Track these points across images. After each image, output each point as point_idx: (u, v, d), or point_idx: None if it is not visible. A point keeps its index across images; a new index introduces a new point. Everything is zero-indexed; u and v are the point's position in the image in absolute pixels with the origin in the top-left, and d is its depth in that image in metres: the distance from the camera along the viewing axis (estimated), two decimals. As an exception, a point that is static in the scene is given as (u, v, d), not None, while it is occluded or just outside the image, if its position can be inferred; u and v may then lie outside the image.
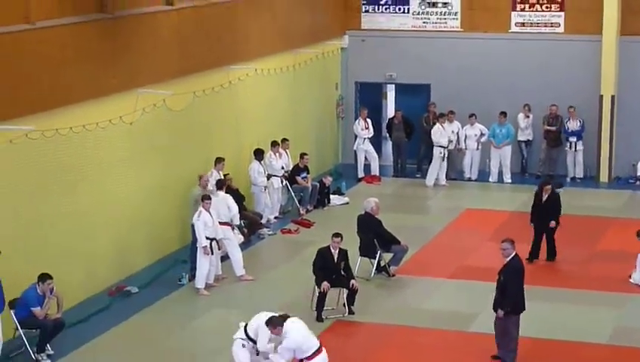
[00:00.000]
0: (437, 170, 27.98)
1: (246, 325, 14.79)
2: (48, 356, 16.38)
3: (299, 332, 14.35)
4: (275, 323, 14.35)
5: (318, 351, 14.34)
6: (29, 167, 17.31)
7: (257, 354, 14.71)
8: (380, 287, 19.88)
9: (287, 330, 14.30)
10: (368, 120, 29.01)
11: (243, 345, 14.65)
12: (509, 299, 15.66)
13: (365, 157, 29.08)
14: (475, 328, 17.65)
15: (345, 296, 18.39)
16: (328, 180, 26.34)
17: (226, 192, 20.81)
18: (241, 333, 14.75)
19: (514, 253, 15.92)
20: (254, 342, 14.62)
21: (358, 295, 18.35)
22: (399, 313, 18.48)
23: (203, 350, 16.99)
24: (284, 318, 14.47)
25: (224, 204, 20.25)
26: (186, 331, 17.72)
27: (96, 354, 16.73)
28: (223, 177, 21.86)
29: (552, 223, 20.93)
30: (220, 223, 19.89)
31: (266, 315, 14.61)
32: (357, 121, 29.19)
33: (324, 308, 18.14)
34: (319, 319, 17.97)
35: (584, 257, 21.40)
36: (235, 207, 20.39)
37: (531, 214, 21.33)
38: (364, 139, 28.89)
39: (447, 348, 16.90)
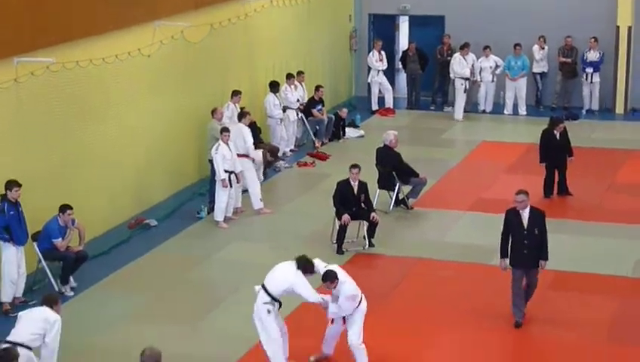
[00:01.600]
0: (463, 102, 27.85)
1: (263, 285, 13.37)
2: (72, 288, 16.47)
3: (348, 279, 13.38)
4: (330, 278, 13.13)
5: (361, 300, 13.51)
6: (50, 99, 17.26)
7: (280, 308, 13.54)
8: (400, 220, 19.92)
9: (341, 281, 13.27)
10: (382, 52, 28.85)
11: (268, 311, 13.21)
12: (547, 246, 14.97)
13: (379, 90, 28.97)
14: (496, 261, 17.61)
15: (365, 228, 18.41)
16: (344, 112, 26.27)
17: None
18: (263, 296, 13.26)
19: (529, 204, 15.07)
20: (278, 301, 13.35)
21: (378, 227, 18.38)
22: (419, 245, 18.52)
23: (223, 282, 17.08)
24: (331, 270, 13.35)
25: (240, 135, 20.22)
26: (205, 264, 17.78)
27: (119, 286, 16.81)
28: (239, 110, 21.79)
29: (570, 159, 20.85)
30: (238, 155, 19.86)
31: (286, 266, 13.45)
32: (371, 53, 29.02)
33: (345, 240, 18.17)
34: (339, 251, 18.02)
35: (601, 190, 21.37)
36: (250, 139, 20.30)
37: (542, 153, 21.09)
38: (379, 71, 28.76)
39: (469, 281, 16.95)
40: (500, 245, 15.13)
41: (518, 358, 14.18)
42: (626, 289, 15.78)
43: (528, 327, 14.99)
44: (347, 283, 13.32)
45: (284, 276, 13.28)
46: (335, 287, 13.25)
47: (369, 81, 29.02)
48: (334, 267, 13.59)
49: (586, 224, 19.34)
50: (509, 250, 15.04)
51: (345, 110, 26.52)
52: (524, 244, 14.84)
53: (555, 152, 20.87)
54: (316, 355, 13.94)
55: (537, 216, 14.94)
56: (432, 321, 15.25)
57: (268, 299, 13.24)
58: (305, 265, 13.28)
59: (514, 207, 15.00)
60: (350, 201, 18.21)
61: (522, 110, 28.43)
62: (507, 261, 15.04)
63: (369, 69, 29.01)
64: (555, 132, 20.86)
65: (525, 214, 14.89)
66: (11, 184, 15.61)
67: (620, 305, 14.77)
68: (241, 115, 20.82)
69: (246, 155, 20.26)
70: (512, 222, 15.01)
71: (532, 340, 14.62)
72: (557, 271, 16.70)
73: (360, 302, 13.47)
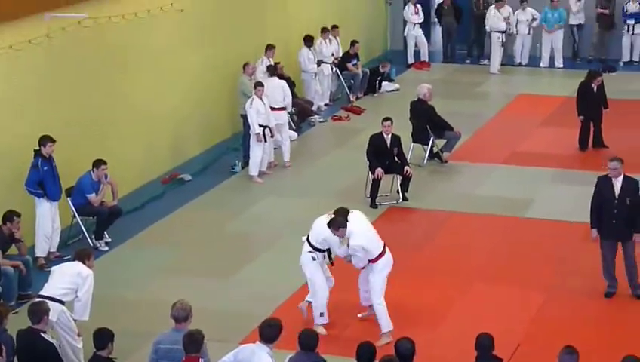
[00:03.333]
0: (499, 55, 27.61)
1: (308, 236, 13.58)
2: (106, 243, 16.56)
3: (361, 231, 13.27)
4: (336, 225, 13.09)
5: (381, 254, 13.33)
6: (81, 55, 17.27)
7: (331, 263, 13.85)
8: (433, 174, 19.82)
9: (351, 231, 13.21)
10: (418, 5, 28.59)
11: (313, 258, 13.42)
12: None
13: (415, 44, 28.76)
14: (531, 214, 17.59)
15: (398, 182, 18.35)
16: (386, 66, 26.14)
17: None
18: (307, 246, 13.49)
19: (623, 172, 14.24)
20: (321, 250, 13.52)
21: (411, 181, 18.30)
22: (453, 199, 18.43)
23: (257, 237, 17.07)
24: (345, 215, 13.30)
25: (279, 89, 20.19)
26: (240, 219, 17.78)
27: (153, 241, 16.87)
28: (273, 64, 21.71)
29: (605, 111, 20.66)
30: (274, 109, 19.83)
31: (326, 218, 13.48)
32: (406, 6, 28.78)
33: (378, 194, 18.13)
34: (373, 205, 17.97)
35: (638, 142, 21.06)
36: (289, 94, 20.33)
37: (579, 105, 20.83)
38: (414, 24, 28.52)
39: (503, 233, 16.86)
40: (590, 214, 14.51)
41: (554, 316, 14.03)
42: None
43: (558, 286, 14.87)
44: (355, 234, 13.15)
45: (322, 228, 13.38)
46: (342, 236, 13.20)
47: (405, 34, 28.80)
48: (357, 216, 13.43)
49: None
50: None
51: (387, 64, 26.37)
52: (614, 214, 14.13)
53: (591, 105, 20.65)
54: (363, 314, 13.95)
55: (631, 184, 14.20)
56: (466, 275, 15.19)
57: (311, 248, 13.48)
58: (331, 221, 13.20)
59: (606, 174, 14.36)
60: (383, 155, 18.14)
61: (559, 62, 28.13)
62: (596, 231, 14.44)
63: (405, 22, 28.78)
64: (593, 85, 20.64)
65: (617, 183, 14.14)
66: (45, 139, 15.67)
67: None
68: (274, 69, 20.76)
69: (282, 109, 20.24)
70: (602, 191, 14.32)
71: (563, 300, 14.45)
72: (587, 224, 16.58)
73: (380, 256, 13.31)
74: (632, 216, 14.10)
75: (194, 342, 10.12)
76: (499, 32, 27.52)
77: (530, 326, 13.62)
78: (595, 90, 20.64)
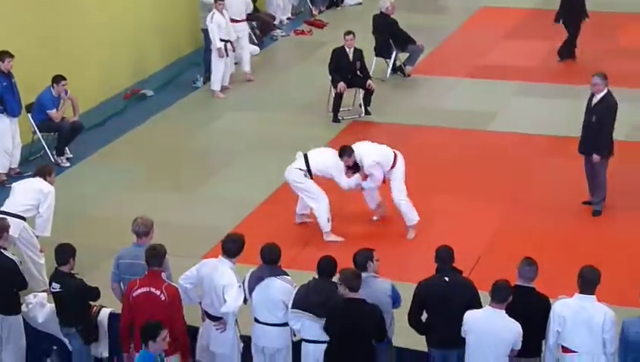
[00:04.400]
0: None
1: (306, 155, 13.74)
2: (67, 159, 16.45)
3: (369, 149, 13.66)
4: (347, 153, 13.42)
5: (395, 159, 13.71)
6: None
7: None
8: (396, 87, 19.76)
9: (359, 154, 13.49)
10: None
11: (305, 175, 13.60)
12: (606, 141, 14.01)
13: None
14: (495, 127, 17.61)
15: (361, 96, 18.28)
16: None
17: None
18: (300, 163, 13.63)
19: (606, 89, 13.92)
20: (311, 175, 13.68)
21: (374, 95, 18.23)
22: (416, 113, 18.41)
23: (221, 152, 17.00)
24: (350, 148, 13.62)
25: (242, 2, 20.14)
26: (203, 133, 17.71)
27: (115, 156, 16.78)
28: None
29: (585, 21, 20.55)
30: (235, 21, 19.70)
31: (331, 151, 13.81)
32: None
33: (341, 108, 18.06)
34: (335, 120, 17.93)
35: (606, 53, 20.98)
36: (251, 6, 20.23)
37: (561, 13, 20.61)
38: None
39: (467, 146, 16.85)
40: None
41: (516, 229, 14.10)
42: (620, 153, 15.55)
43: (520, 199, 14.95)
44: (365, 154, 13.52)
45: (329, 157, 13.73)
46: (352, 163, 13.51)
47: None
48: (360, 143, 13.79)
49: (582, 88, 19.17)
50: None
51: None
52: (584, 127, 14.17)
53: (575, 14, 20.48)
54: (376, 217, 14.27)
55: (603, 104, 13.93)
56: (429, 188, 15.15)
57: (304, 167, 13.61)
58: (342, 149, 13.58)
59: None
60: (346, 69, 18.04)
61: (523, -26, 27.93)
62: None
63: None
64: None
65: (594, 99, 13.99)
66: (3, 55, 15.45)
67: (612, 168, 14.61)
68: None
69: (243, 20, 20.07)
70: (587, 105, 14.18)
71: (525, 213, 14.51)
72: (557, 137, 16.81)
73: (394, 162, 13.67)
74: (595, 133, 14.04)
75: (156, 256, 10.12)
76: None
77: (492, 238, 13.71)
78: None
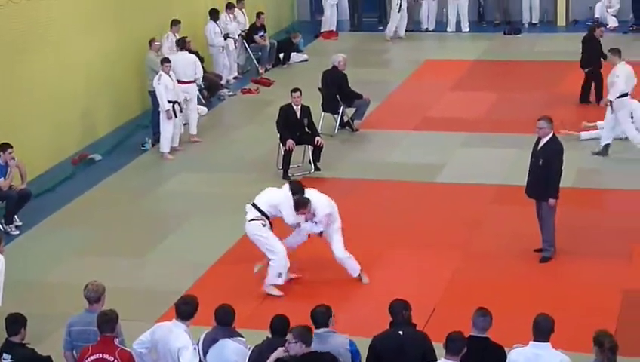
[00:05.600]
0: (396, 21, 27.69)
1: (253, 203, 13.86)
2: (17, 227, 16.30)
3: (322, 200, 13.77)
4: (303, 206, 13.53)
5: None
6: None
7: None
8: (345, 142, 19.86)
9: (314, 206, 13.60)
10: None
11: (263, 225, 13.67)
12: (554, 184, 14.04)
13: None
14: (442, 178, 17.72)
15: (310, 152, 18.35)
16: (297, 37, 26.13)
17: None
18: (254, 212, 13.74)
19: (551, 133, 14.08)
20: (268, 219, 13.77)
21: (323, 151, 18.30)
22: (365, 167, 18.51)
23: (172, 214, 16.97)
24: (302, 191, 13.71)
25: (191, 64, 20.20)
26: (153, 196, 17.66)
27: (65, 222, 16.66)
28: (182, 38, 21.54)
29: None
30: (183, 82, 19.82)
31: (274, 190, 14.02)
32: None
33: (290, 165, 18.11)
34: (285, 177, 17.92)
35: (545, 101, 21.27)
36: (201, 68, 20.39)
37: (584, 59, 21.02)
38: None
39: (416, 199, 16.95)
40: None
41: (468, 279, 14.14)
42: (568, 198, 15.70)
43: (472, 249, 15.01)
44: (320, 206, 13.66)
45: (275, 193, 13.92)
46: (310, 211, 13.61)
47: (323, 3, 28.77)
48: (310, 190, 13.90)
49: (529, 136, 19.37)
50: None
51: (297, 35, 26.36)
52: (530, 171, 14.30)
53: (596, 57, 20.78)
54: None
55: (549, 148, 14.02)
56: (380, 241, 15.21)
57: (258, 214, 13.69)
58: (298, 201, 13.63)
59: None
60: (294, 126, 18.11)
61: (465, 27, 28.36)
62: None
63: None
64: (596, 35, 20.97)
65: (541, 143, 14.10)
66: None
67: (560, 214, 14.74)
68: (183, 43, 20.61)
69: (191, 82, 20.15)
70: (533, 149, 14.30)
71: (477, 263, 14.56)
72: (499, 186, 17.03)
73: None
74: (543, 177, 14.11)
75: (107, 321, 10.02)
76: None
77: (445, 290, 13.72)
78: (599, 41, 20.87)
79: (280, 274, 13.67)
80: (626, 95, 18.30)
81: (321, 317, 10.09)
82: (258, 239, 13.72)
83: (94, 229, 16.26)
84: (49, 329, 12.33)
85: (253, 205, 13.83)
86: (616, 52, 18.66)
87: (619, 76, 18.29)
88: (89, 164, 19.17)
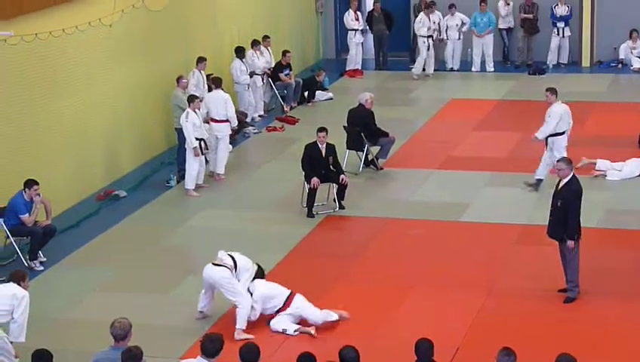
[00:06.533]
0: (422, 58, 27.76)
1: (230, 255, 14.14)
2: (41, 263, 16.34)
3: (264, 285, 14.07)
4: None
5: (287, 302, 13.88)
6: (9, 73, 17.03)
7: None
8: (369, 181, 19.87)
9: (255, 285, 13.96)
10: (358, 12, 28.78)
11: (231, 273, 13.93)
12: (573, 225, 14.02)
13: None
14: (467, 218, 17.68)
15: (335, 190, 18.36)
16: (321, 75, 26.23)
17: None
18: (228, 261, 13.98)
19: (571, 174, 14.13)
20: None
21: (347, 189, 18.32)
22: (389, 206, 18.49)
23: (195, 251, 16.96)
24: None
25: (222, 102, 20.19)
26: (177, 233, 17.68)
27: (89, 258, 16.69)
28: (205, 77, 21.67)
29: None
30: (216, 120, 19.92)
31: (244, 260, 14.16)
32: (347, 12, 28.85)
33: (315, 203, 18.12)
34: (310, 215, 17.97)
35: (570, 142, 21.21)
36: (232, 107, 20.39)
37: None
38: (355, 31, 28.61)
39: (441, 238, 16.92)
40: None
41: (492, 318, 14.11)
42: (592, 240, 15.67)
43: (496, 288, 14.96)
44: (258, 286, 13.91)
45: (245, 260, 14.14)
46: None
47: (348, 42, 28.90)
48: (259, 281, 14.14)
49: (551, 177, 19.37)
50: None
51: (322, 72, 26.46)
52: (551, 213, 14.34)
53: None
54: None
55: (568, 189, 14.09)
56: (404, 280, 15.21)
57: (231, 263, 13.95)
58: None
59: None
60: (319, 164, 18.15)
61: (490, 67, 28.40)
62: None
63: (346, 30, 28.89)
64: None
65: (561, 184, 14.21)
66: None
67: (585, 254, 14.69)
68: (218, 82, 20.67)
69: (224, 121, 20.21)
70: (554, 190, 14.40)
71: (501, 302, 14.52)
72: (523, 226, 16.93)
73: (288, 301, 13.87)
74: (562, 218, 14.11)
75: (132, 357, 10.05)
76: (422, 36, 27.65)
77: (469, 329, 13.68)
78: None
79: (248, 318, 13.72)
80: (562, 133, 18.45)
81: (350, 354, 10.13)
82: (227, 283, 13.76)
83: (118, 265, 16.30)
84: (74, 365, 12.36)
85: (230, 255, 14.02)
86: (554, 91, 18.70)
87: (550, 116, 18.42)
88: (114, 200, 19.24)
